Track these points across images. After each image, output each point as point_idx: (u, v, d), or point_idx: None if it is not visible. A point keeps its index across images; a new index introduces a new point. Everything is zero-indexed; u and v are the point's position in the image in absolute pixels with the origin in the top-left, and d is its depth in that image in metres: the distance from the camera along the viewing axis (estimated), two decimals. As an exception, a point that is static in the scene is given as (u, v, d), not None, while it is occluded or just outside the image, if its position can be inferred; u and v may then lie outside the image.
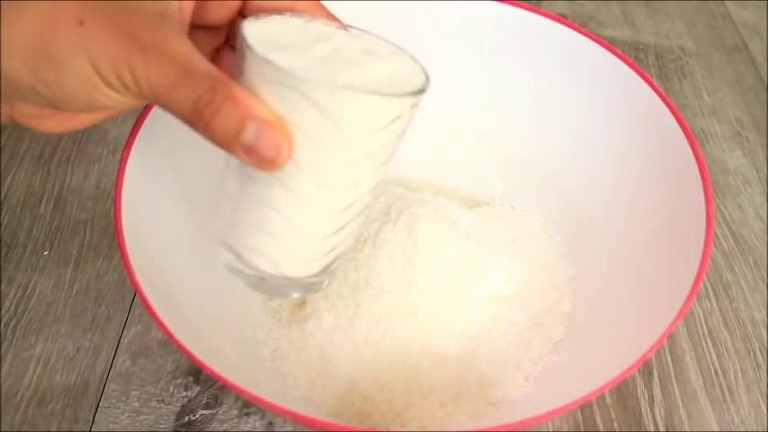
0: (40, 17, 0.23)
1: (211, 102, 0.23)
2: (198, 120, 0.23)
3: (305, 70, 0.24)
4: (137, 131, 0.33)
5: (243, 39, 0.24)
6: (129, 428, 0.37)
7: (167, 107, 0.24)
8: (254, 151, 0.24)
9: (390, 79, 0.26)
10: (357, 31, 0.28)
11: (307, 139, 0.25)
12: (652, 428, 0.38)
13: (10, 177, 0.49)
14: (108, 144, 0.51)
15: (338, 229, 0.28)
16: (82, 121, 0.27)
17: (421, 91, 0.26)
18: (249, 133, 0.23)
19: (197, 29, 0.28)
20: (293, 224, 0.27)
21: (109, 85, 0.23)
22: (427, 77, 0.27)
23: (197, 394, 0.38)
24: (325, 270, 0.31)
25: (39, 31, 0.22)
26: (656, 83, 0.36)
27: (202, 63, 0.23)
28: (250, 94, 0.24)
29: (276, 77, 0.24)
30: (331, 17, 0.29)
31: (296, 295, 0.32)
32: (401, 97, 0.25)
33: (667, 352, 0.42)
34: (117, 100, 0.24)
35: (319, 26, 0.28)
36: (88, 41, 0.23)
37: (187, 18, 0.26)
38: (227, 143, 0.24)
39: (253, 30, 0.25)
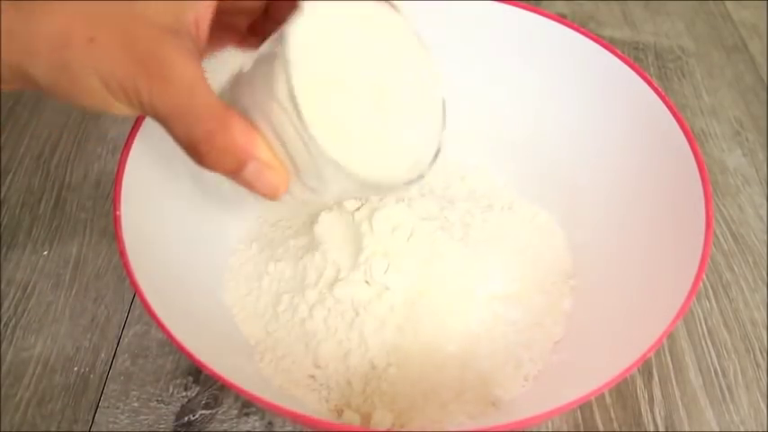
0: (56, 32, 0.23)
1: (208, 147, 0.24)
2: (194, 155, 0.25)
3: (319, 121, 0.24)
4: (137, 131, 0.33)
5: (283, 55, 0.23)
6: (129, 428, 0.37)
7: (168, 133, 0.25)
8: (251, 186, 0.26)
9: (394, 155, 0.27)
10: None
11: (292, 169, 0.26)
12: (652, 428, 0.38)
13: (10, 177, 0.49)
14: (108, 144, 0.51)
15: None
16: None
17: (418, 178, 0.26)
18: (248, 173, 0.25)
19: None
20: None
21: (119, 100, 0.24)
22: (437, 152, 0.27)
23: (197, 394, 0.38)
24: None
25: (56, 46, 0.23)
26: (656, 83, 0.36)
27: (205, 96, 0.24)
28: (252, 131, 0.24)
29: (292, 119, 0.23)
30: None
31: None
32: (391, 187, 0.26)
33: (667, 352, 0.42)
34: (130, 112, 0.25)
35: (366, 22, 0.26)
36: (98, 61, 0.23)
37: (204, 29, 0.26)
38: (225, 175, 0.25)
39: (295, 39, 0.24)
